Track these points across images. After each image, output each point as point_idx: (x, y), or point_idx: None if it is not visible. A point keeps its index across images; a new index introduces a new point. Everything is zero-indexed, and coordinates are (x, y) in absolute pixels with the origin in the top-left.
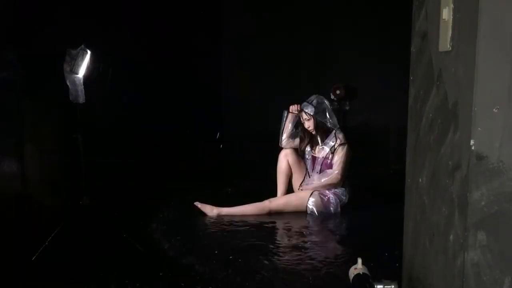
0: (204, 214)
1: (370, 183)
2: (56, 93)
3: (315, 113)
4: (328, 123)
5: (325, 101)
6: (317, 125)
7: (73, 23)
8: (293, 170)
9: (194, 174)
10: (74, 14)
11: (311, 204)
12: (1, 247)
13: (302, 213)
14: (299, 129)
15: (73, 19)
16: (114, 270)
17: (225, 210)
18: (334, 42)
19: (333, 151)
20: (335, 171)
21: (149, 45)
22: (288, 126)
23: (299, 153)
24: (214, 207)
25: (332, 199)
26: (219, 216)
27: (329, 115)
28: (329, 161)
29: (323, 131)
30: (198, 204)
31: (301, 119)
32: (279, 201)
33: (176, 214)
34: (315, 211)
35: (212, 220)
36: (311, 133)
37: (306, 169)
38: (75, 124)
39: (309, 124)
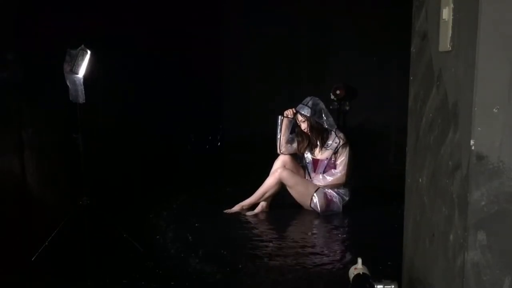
0: (204, 214)
1: (370, 183)
2: (56, 93)
3: (312, 114)
4: (325, 124)
5: (320, 102)
6: (312, 127)
7: (73, 23)
8: None
9: (194, 174)
10: (74, 13)
11: (315, 198)
12: (1, 247)
13: (303, 211)
14: (295, 132)
15: (73, 18)
16: (113, 270)
17: (247, 202)
18: (334, 42)
19: (336, 151)
20: (341, 172)
21: (149, 45)
22: (285, 132)
23: (299, 154)
24: (237, 205)
25: (336, 199)
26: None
27: (325, 115)
28: (332, 162)
29: (318, 132)
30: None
31: (297, 122)
32: (292, 176)
33: (176, 213)
34: (318, 207)
35: (213, 220)
36: (308, 135)
37: (308, 173)
38: (75, 124)
39: (305, 126)
